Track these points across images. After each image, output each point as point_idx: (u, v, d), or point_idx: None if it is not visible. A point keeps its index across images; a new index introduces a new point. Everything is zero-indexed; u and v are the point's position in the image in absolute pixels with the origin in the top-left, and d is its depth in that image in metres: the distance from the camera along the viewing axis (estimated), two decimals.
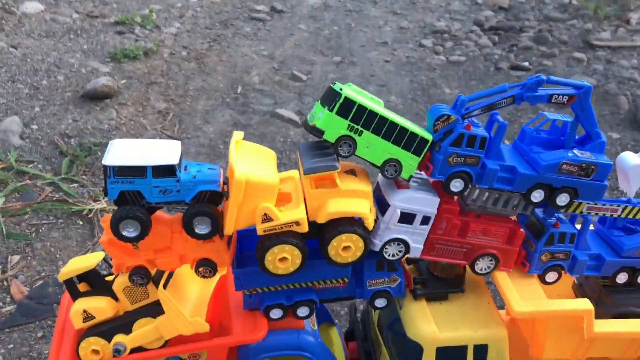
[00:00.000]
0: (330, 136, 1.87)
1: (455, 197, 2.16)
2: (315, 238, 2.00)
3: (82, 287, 2.13)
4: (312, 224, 1.96)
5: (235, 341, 2.11)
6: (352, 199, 1.94)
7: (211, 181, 1.88)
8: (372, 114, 1.85)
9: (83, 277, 2.14)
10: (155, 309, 2.06)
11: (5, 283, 3.24)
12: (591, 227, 2.44)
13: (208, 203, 1.89)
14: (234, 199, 1.83)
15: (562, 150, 2.06)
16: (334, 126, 1.86)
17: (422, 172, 2.12)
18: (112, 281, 2.11)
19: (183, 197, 1.87)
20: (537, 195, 2.05)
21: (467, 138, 1.94)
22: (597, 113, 5.35)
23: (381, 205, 2.08)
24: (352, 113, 1.84)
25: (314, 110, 1.95)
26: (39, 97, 4.95)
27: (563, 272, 2.23)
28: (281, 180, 2.07)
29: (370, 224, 1.95)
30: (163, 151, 1.87)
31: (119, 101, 5.05)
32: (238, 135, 1.98)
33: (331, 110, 1.84)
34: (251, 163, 1.90)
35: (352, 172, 2.03)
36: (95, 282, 2.12)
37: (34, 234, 3.59)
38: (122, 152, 1.84)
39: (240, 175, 1.80)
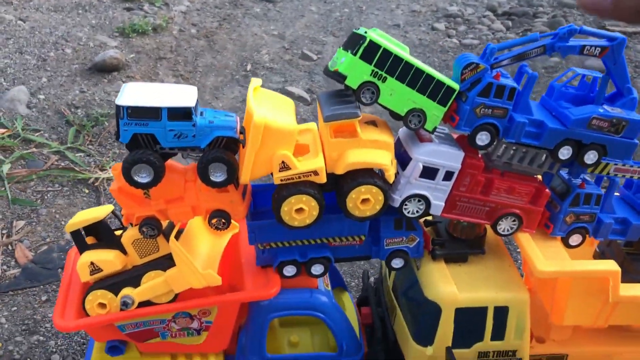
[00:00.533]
0: (353, 82, 1.79)
1: (479, 154, 2.08)
2: (332, 191, 1.93)
3: (89, 240, 2.07)
4: (330, 177, 1.88)
5: (247, 297, 2.04)
6: (373, 149, 1.87)
7: (228, 127, 1.81)
8: (398, 59, 1.77)
9: (91, 230, 2.07)
10: (165, 263, 1.99)
11: (10, 247, 3.17)
12: (616, 194, 2.36)
13: (225, 150, 1.82)
14: (251, 144, 1.75)
15: (593, 105, 1.98)
16: (357, 71, 1.78)
17: (445, 127, 2.04)
18: (122, 235, 2.04)
19: (198, 142, 1.79)
20: (565, 152, 1.97)
21: (495, 88, 1.86)
22: None
23: (402, 160, 2.00)
24: (377, 58, 1.76)
25: (336, 56, 1.87)
26: (47, 69, 4.88)
27: (587, 235, 2.15)
28: (300, 131, 1.99)
29: (391, 176, 1.88)
30: (179, 94, 1.79)
31: (127, 74, 4.98)
32: (257, 81, 1.90)
33: (355, 54, 1.76)
34: (270, 109, 1.82)
35: (372, 123, 1.95)
36: (103, 235, 2.05)
37: (39, 200, 3.52)
38: (136, 93, 1.77)
39: (259, 119, 1.72)
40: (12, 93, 4.35)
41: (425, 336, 2.09)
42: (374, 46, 1.75)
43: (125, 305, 1.96)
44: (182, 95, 1.79)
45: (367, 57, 1.77)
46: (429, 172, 1.95)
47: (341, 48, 1.85)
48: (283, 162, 1.79)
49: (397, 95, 1.82)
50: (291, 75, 5.45)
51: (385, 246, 2.10)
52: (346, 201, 1.87)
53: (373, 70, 1.78)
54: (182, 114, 1.75)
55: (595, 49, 1.91)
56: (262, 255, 2.08)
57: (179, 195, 1.92)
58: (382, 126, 1.95)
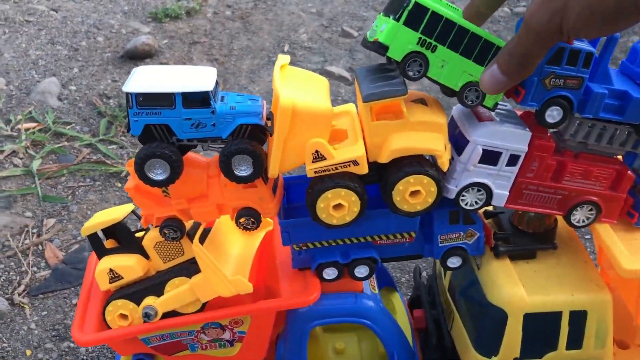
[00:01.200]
0: (397, 53, 1.48)
1: (548, 133, 1.77)
2: (375, 183, 1.66)
3: (109, 244, 1.86)
4: (372, 166, 1.61)
5: (282, 305, 1.81)
6: (422, 132, 1.58)
7: (253, 113, 1.56)
8: (450, 23, 1.47)
9: (110, 232, 1.87)
10: (191, 268, 1.77)
11: (40, 247, 3.03)
12: None
13: (250, 140, 1.57)
14: (279, 131, 1.50)
15: None
16: (401, 40, 1.46)
17: (507, 103, 1.75)
18: (143, 237, 1.83)
19: (219, 132, 1.55)
20: None
21: (568, 53, 1.54)
22: None
23: (457, 144, 1.72)
24: (424, 23, 1.46)
25: (375, 23, 1.59)
26: (78, 59, 4.74)
27: None
28: (336, 115, 1.73)
29: (444, 163, 1.59)
30: (195, 77, 1.55)
31: (160, 60, 4.79)
32: (284, 58, 1.64)
33: (397, 20, 1.45)
34: (299, 89, 1.56)
35: (422, 102, 1.67)
36: (123, 238, 1.85)
37: (70, 196, 3.37)
38: (147, 78, 1.54)
39: (287, 101, 1.46)
40: (43, 85, 4.22)
41: (488, 345, 1.81)
42: (420, 9, 1.45)
43: (147, 316, 1.76)
44: (199, 78, 1.54)
45: (412, 22, 1.45)
46: (489, 157, 1.65)
47: (381, 14, 1.55)
48: (317, 150, 1.53)
49: (449, 66, 1.51)
50: (331, 54, 5.17)
51: (440, 243, 1.83)
52: (392, 194, 1.60)
53: (420, 38, 1.46)
54: (199, 99, 1.50)
55: None
56: (298, 256, 1.84)
57: (202, 192, 1.69)
58: (433, 105, 1.67)
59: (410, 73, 1.51)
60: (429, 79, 1.54)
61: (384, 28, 1.50)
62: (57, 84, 4.30)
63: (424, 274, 2.74)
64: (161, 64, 4.74)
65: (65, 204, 3.30)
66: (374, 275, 2.04)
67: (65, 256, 2.97)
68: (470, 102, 1.59)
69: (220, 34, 5.39)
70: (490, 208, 1.99)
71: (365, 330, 2.07)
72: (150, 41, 4.80)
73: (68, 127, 3.95)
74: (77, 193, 3.39)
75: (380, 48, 1.48)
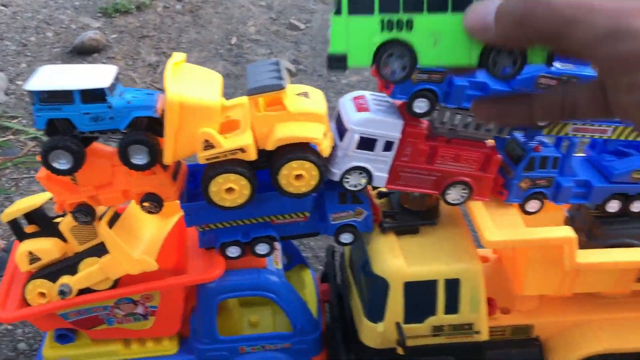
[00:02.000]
0: (361, 57, 0.94)
1: (426, 122, 1.97)
2: (266, 169, 1.85)
3: (30, 229, 2.02)
4: (262, 153, 1.80)
5: (188, 281, 1.99)
6: (304, 122, 1.77)
7: (147, 106, 1.73)
8: None
9: (31, 218, 2.02)
10: (103, 249, 1.94)
11: None
12: (582, 154, 2.24)
13: (146, 131, 1.74)
14: (169, 123, 1.67)
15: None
16: (357, 36, 0.92)
17: (385, 95, 1.94)
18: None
19: (117, 124, 1.72)
20: None
21: None
22: None
23: (340, 132, 1.91)
24: None
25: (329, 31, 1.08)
26: (27, 54, 4.83)
27: (546, 200, 2.04)
28: (230, 107, 1.90)
29: (324, 150, 1.79)
30: (94, 75, 1.72)
31: (108, 55, 4.91)
32: (178, 56, 1.81)
33: (339, 12, 0.93)
34: (190, 84, 1.74)
35: (305, 95, 1.85)
36: (42, 223, 2.01)
37: (13, 187, 3.50)
38: (48, 76, 1.70)
39: (173, 96, 1.64)
40: None
41: (376, 312, 2.02)
42: None
43: (62, 293, 1.93)
44: (98, 75, 1.71)
45: (360, 5, 0.92)
46: (367, 143, 1.85)
47: (332, 14, 1.00)
48: (206, 140, 1.71)
49: (446, 38, 0.91)
50: (277, 47, 5.33)
51: (332, 221, 2.02)
52: (278, 178, 1.79)
53: (383, 21, 0.92)
54: (96, 95, 1.67)
55: None
56: (203, 237, 2.02)
57: (108, 180, 1.86)
58: (314, 97, 1.85)
59: (394, 77, 0.97)
60: (427, 68, 1.09)
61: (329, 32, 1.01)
62: (5, 79, 4.40)
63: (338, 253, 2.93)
64: (109, 58, 4.85)
65: (8, 195, 3.43)
66: (278, 253, 2.24)
67: (6, 244, 3.11)
68: (508, 70, 0.99)
69: (170, 27, 5.51)
70: (384, 190, 2.19)
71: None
72: (97, 36, 4.91)
73: (14, 121, 4.06)
74: (20, 185, 3.52)
75: (337, 62, 0.96)
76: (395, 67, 0.95)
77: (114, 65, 4.78)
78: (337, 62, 0.95)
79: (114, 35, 5.23)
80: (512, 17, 0.72)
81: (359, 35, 0.92)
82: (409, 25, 0.92)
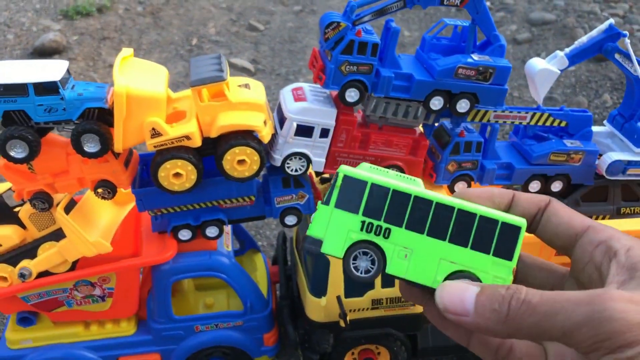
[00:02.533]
0: (335, 247, 0.88)
1: (360, 111, 2.15)
2: (212, 155, 1.99)
3: None
4: (208, 141, 1.95)
5: (142, 262, 2.13)
6: (245, 111, 1.93)
7: (98, 98, 1.86)
8: (401, 195, 0.88)
9: None
10: (61, 234, 2.06)
11: None
12: (508, 140, 2.44)
13: (97, 121, 1.88)
14: (117, 113, 1.81)
15: (459, 55, 2.04)
16: (337, 228, 0.89)
17: (319, 86, 2.10)
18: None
19: (70, 115, 1.85)
20: (436, 103, 2.04)
21: (357, 45, 1.91)
22: (553, 47, 5.32)
23: (281, 121, 2.07)
24: (364, 200, 0.89)
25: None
26: None
27: (472, 182, 2.23)
28: (177, 98, 2.05)
29: (264, 136, 1.94)
30: (46, 69, 1.84)
31: (69, 56, 4.98)
32: (127, 51, 1.95)
33: (327, 203, 0.89)
34: (137, 77, 1.88)
35: (246, 86, 2.01)
36: (1, 212, 2.12)
37: None
38: (3, 71, 1.82)
39: (120, 88, 1.78)
40: None
41: (319, 288, 2.18)
42: (354, 183, 0.89)
43: (22, 276, 2.04)
44: (50, 69, 1.84)
45: (347, 203, 0.89)
46: (304, 131, 2.02)
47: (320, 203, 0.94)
48: (153, 128, 1.85)
49: (417, 255, 0.89)
50: (237, 47, 5.47)
51: (277, 205, 2.18)
52: (222, 163, 1.94)
53: (364, 222, 0.90)
54: (49, 88, 1.80)
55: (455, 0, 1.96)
56: (155, 221, 2.16)
57: (64, 168, 1.98)
58: (255, 88, 2.01)
59: (360, 274, 0.89)
60: (393, 276, 0.91)
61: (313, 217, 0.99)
62: None
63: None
64: (70, 59, 4.93)
65: None
66: (228, 236, 2.38)
67: None
68: None
69: (130, 29, 5.61)
70: (326, 175, 2.36)
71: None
72: (58, 38, 4.99)
73: None
74: None
75: (312, 244, 0.91)
76: (362, 265, 0.90)
77: (76, 65, 4.89)
78: (313, 243, 0.90)
79: (75, 37, 5.31)
80: (495, 314, 0.68)
81: (339, 228, 0.90)
82: (387, 233, 0.91)
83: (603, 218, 2.34)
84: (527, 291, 0.68)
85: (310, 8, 6.35)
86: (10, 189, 2.16)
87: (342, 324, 2.16)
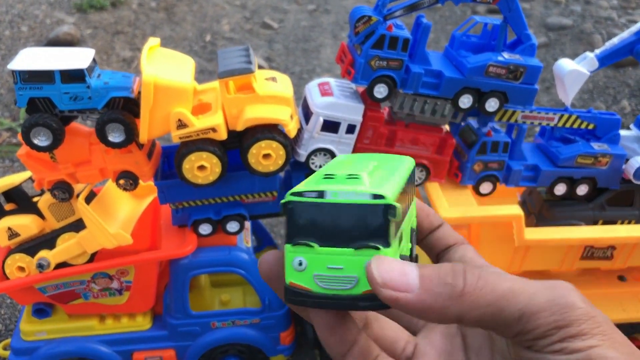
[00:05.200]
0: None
1: (386, 108, 2.12)
2: (237, 149, 1.97)
3: (9, 207, 2.11)
4: (233, 134, 1.92)
5: (162, 256, 2.09)
6: (272, 105, 1.90)
7: (124, 87, 1.83)
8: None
9: (9, 197, 2.11)
10: (81, 225, 2.03)
11: None
12: (533, 141, 2.40)
13: (122, 111, 1.85)
14: (144, 102, 1.78)
15: (490, 52, 2.01)
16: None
17: (352, 84, 2.07)
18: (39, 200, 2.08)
19: (95, 104, 1.82)
20: (466, 101, 2.00)
21: (388, 40, 1.88)
22: (570, 52, 5.28)
23: (306, 116, 2.04)
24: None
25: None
26: (1, 47, 4.87)
27: (498, 182, 2.20)
28: (203, 91, 2.02)
29: (291, 131, 1.91)
30: (73, 57, 1.81)
31: None
32: (154, 40, 1.92)
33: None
34: (164, 67, 1.85)
35: (273, 79, 1.98)
36: (20, 201, 2.10)
37: None
38: (30, 57, 1.79)
39: (149, 77, 1.75)
40: None
41: None
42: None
43: (40, 267, 2.01)
44: (77, 57, 1.81)
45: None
46: (330, 126, 1.98)
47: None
48: (180, 119, 1.82)
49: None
50: (251, 45, 5.42)
51: None
52: (248, 157, 1.91)
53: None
54: (75, 76, 1.77)
55: None
56: (176, 215, 2.13)
57: (86, 158, 1.95)
58: (282, 82, 1.98)
59: None
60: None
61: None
62: None
63: None
64: None
65: None
66: (248, 232, 2.35)
67: None
68: None
69: (144, 24, 5.59)
70: None
71: (250, 286, 2.36)
72: (72, 31, 4.97)
73: None
74: None
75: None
76: None
77: None
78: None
79: (89, 31, 5.29)
80: (448, 289, 0.59)
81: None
82: None
83: (628, 223, 2.30)
84: (480, 268, 0.62)
85: (324, 7, 6.32)
86: (29, 178, 2.13)
87: None
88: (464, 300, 0.59)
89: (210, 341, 2.30)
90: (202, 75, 4.88)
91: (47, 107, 1.81)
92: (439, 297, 0.59)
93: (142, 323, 2.28)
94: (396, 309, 0.60)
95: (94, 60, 1.84)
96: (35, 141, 1.81)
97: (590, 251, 2.21)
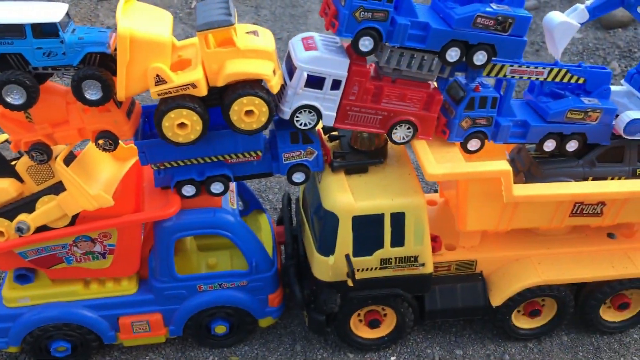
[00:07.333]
0: None
1: (373, 65, 2.06)
2: (218, 106, 1.91)
3: None
4: (214, 91, 1.86)
5: (144, 217, 2.06)
6: (253, 59, 1.84)
7: (100, 42, 1.77)
8: None
9: None
10: (60, 188, 1.98)
11: None
12: (522, 99, 2.36)
13: (99, 67, 1.79)
14: (120, 57, 1.72)
15: (477, 3, 1.94)
16: None
17: (337, 38, 2.01)
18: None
19: (70, 60, 1.76)
20: (453, 54, 1.95)
21: None
22: None
23: (290, 71, 1.98)
24: None
25: None
26: None
27: (486, 139, 2.16)
28: (182, 46, 1.96)
29: (273, 86, 1.86)
30: (45, 11, 1.74)
31: None
32: None
33: None
34: (141, 21, 1.78)
35: (254, 33, 1.92)
36: None
37: None
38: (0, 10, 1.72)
39: (124, 30, 1.68)
40: None
41: (326, 246, 2.11)
42: None
43: (20, 230, 1.97)
44: (49, 11, 1.74)
45: None
46: (315, 82, 1.93)
47: None
48: (157, 75, 1.76)
49: None
50: (237, 11, 5.32)
51: (284, 161, 2.10)
52: (230, 114, 1.85)
53: None
54: (48, 30, 1.70)
55: None
56: (158, 176, 2.08)
57: (63, 118, 1.90)
58: (264, 35, 1.92)
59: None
60: None
61: None
62: None
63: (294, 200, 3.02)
64: None
65: None
66: (233, 194, 2.31)
67: None
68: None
69: None
70: (335, 133, 2.28)
71: (237, 249, 2.32)
72: None
73: None
74: None
75: None
76: None
77: None
78: None
79: None
80: None
81: None
82: None
83: (619, 179, 2.27)
84: None
85: None
86: (7, 140, 2.07)
87: (350, 282, 2.10)
88: None
89: (197, 304, 2.27)
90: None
91: (19, 63, 1.74)
92: None
93: (128, 287, 2.25)
94: None
95: (67, 15, 1.77)
96: (9, 99, 1.75)
97: (580, 207, 2.19)
